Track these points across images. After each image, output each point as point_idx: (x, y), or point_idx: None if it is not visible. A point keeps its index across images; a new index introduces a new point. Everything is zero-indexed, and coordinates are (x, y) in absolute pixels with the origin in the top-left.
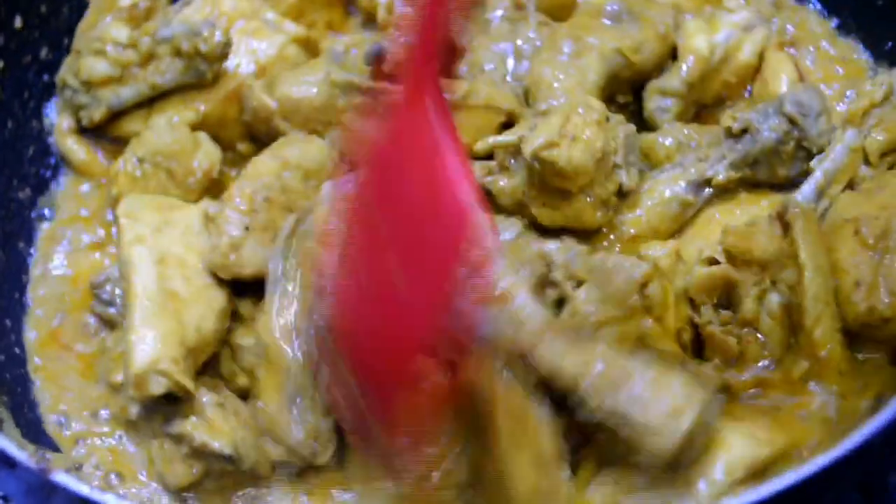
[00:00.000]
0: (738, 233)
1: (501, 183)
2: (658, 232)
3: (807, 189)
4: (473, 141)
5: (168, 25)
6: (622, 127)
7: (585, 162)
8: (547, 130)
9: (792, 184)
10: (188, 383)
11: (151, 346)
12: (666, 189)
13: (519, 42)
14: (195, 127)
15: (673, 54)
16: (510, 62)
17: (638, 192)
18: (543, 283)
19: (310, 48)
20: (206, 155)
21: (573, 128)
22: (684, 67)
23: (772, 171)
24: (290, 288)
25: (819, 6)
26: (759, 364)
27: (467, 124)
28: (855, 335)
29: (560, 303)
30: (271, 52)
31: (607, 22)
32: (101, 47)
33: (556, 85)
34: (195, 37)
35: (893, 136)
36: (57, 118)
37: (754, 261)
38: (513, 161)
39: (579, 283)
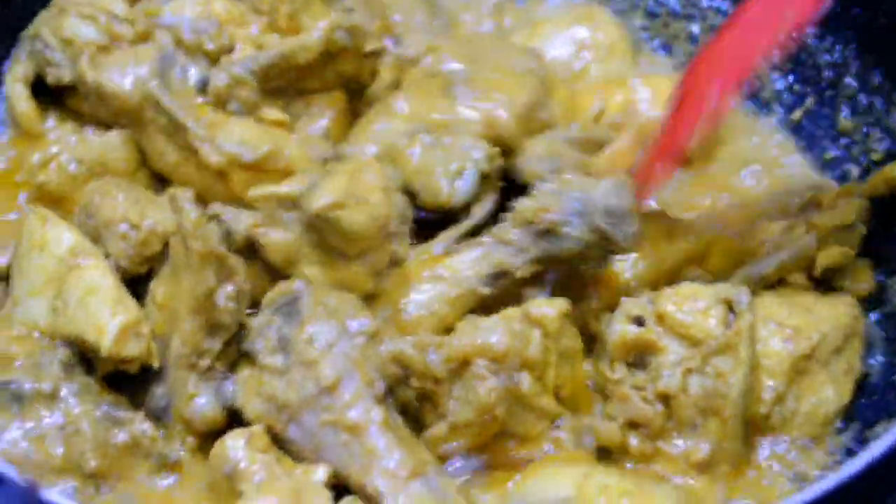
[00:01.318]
0: (678, 303)
1: (272, 236)
2: (442, 322)
3: (753, 275)
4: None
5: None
6: (398, 195)
7: (369, 227)
8: (333, 189)
9: None
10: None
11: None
12: (462, 279)
13: None
14: None
15: None
16: None
17: (420, 271)
18: (400, 385)
19: None
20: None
21: (360, 190)
22: None
23: (574, 267)
24: None
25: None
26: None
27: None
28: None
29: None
30: None
31: None
32: (94, 13)
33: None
34: (202, 33)
35: (841, 259)
36: (13, 63)
37: (689, 337)
38: (287, 215)
39: (437, 381)
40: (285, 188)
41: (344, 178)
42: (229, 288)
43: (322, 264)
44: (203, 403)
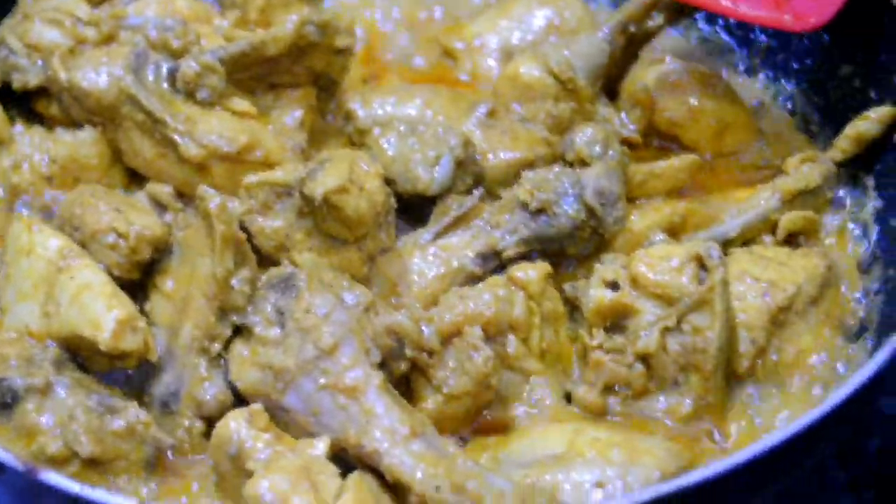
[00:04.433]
0: (651, 264)
1: (262, 223)
2: (435, 300)
3: (718, 236)
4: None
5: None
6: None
7: (368, 213)
8: (337, 174)
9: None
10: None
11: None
12: (453, 259)
13: None
14: None
15: None
16: None
17: (412, 253)
18: (394, 357)
19: None
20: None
21: (359, 177)
22: None
23: (562, 249)
24: None
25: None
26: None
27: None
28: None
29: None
30: None
31: None
32: (58, 17)
33: None
34: (167, 31)
35: (806, 223)
36: None
37: (664, 296)
38: (279, 202)
39: (431, 354)
40: (279, 175)
41: (345, 165)
42: (245, 272)
43: (315, 250)
44: (214, 386)
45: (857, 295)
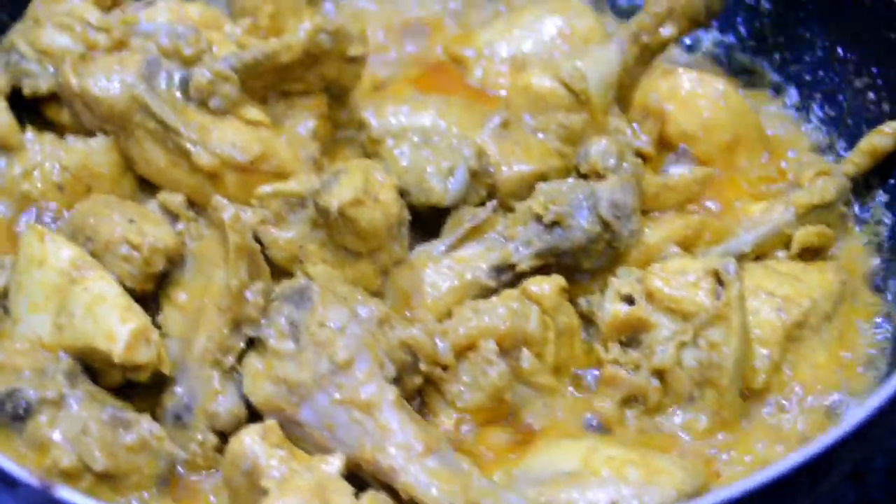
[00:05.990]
0: (666, 279)
1: (275, 234)
2: (448, 314)
3: (732, 251)
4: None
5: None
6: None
7: (382, 225)
8: (352, 186)
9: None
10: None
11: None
12: (467, 271)
13: None
14: None
15: None
16: None
17: (426, 265)
18: (408, 371)
19: None
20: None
21: (374, 188)
22: None
23: (577, 262)
24: None
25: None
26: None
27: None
28: None
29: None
30: None
31: None
32: (69, 23)
33: None
34: (179, 38)
35: (820, 238)
36: None
37: (680, 311)
38: (292, 213)
39: (445, 368)
40: (293, 186)
41: (360, 176)
42: (259, 284)
43: (329, 262)
44: (228, 400)
45: (871, 311)
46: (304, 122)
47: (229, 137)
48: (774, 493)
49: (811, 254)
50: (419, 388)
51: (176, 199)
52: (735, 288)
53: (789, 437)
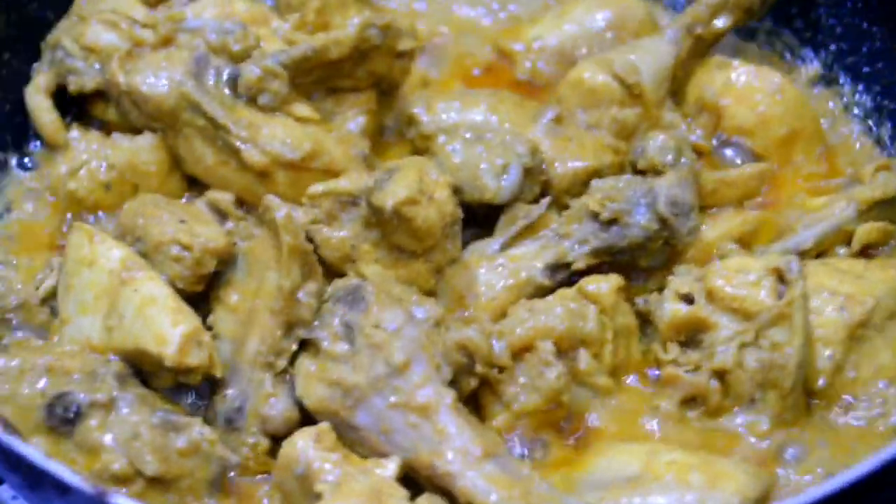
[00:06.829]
0: (727, 278)
1: (327, 233)
2: (503, 314)
3: (792, 248)
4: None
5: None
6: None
7: (437, 223)
8: (406, 184)
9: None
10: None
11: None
12: (522, 270)
13: None
14: None
15: None
16: None
17: (480, 264)
18: (464, 373)
19: None
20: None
21: (428, 186)
22: None
23: (633, 261)
24: None
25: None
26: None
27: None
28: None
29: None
30: None
31: None
32: (115, 20)
33: None
34: (226, 34)
35: (882, 234)
36: (34, 75)
37: (741, 310)
38: (344, 212)
39: (501, 370)
40: (345, 184)
41: (414, 174)
42: (311, 285)
43: (382, 262)
44: (280, 403)
45: None
46: (354, 118)
47: (279, 135)
48: (845, 499)
49: (871, 250)
50: (474, 390)
51: (225, 198)
52: (798, 287)
53: (858, 437)
